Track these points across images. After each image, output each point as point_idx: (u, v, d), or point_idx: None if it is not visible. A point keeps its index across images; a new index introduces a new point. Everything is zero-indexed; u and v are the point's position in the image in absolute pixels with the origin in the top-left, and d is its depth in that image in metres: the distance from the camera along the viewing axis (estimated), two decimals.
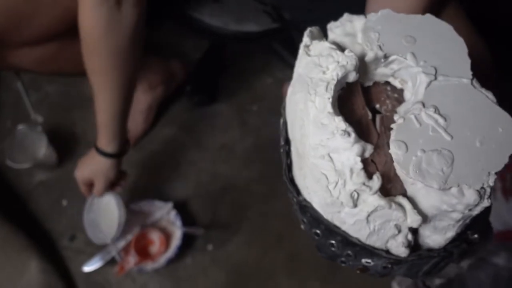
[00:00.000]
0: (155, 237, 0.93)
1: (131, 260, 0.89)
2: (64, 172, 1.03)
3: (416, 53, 0.34)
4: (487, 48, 0.60)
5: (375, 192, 0.31)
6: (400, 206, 0.31)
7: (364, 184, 0.31)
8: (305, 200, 0.35)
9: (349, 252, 0.34)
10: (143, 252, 0.92)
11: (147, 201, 0.95)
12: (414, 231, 0.33)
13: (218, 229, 0.98)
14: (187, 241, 0.95)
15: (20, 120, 1.01)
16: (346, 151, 0.31)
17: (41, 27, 0.72)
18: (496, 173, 0.30)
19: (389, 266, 0.34)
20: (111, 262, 0.93)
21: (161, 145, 1.05)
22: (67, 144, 1.05)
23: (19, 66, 0.80)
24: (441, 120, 0.32)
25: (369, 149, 0.32)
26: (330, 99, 0.31)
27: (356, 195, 0.31)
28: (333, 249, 0.35)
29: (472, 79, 0.33)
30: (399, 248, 0.33)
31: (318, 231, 0.35)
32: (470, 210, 0.31)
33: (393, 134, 0.32)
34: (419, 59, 0.34)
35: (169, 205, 0.95)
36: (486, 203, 0.30)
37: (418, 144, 0.31)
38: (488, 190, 0.30)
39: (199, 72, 1.11)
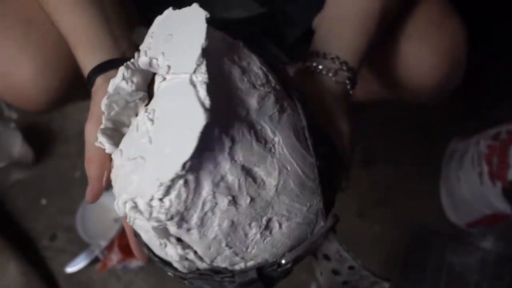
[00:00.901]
0: None
1: (114, 257, 0.87)
2: (42, 170, 1.00)
3: (166, 51, 0.32)
4: (461, 24, 0.57)
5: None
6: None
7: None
8: None
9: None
10: (127, 251, 0.90)
11: None
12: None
13: None
14: None
15: None
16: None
17: None
18: (170, 184, 0.29)
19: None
20: (95, 261, 0.90)
21: None
22: (44, 142, 1.01)
23: None
24: (149, 124, 0.30)
25: None
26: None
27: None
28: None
29: (192, 73, 0.29)
30: (173, 258, 0.33)
31: None
32: (160, 223, 0.31)
33: (122, 142, 0.34)
34: (167, 58, 0.31)
35: None
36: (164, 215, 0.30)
37: (130, 151, 0.32)
38: (158, 203, 0.30)
39: None
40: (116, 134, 0.35)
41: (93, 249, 0.88)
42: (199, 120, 0.27)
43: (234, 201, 0.30)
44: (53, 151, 1.01)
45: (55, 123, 1.03)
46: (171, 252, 0.32)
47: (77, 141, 1.02)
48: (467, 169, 0.87)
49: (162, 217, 0.30)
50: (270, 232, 0.33)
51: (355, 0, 0.47)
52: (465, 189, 0.88)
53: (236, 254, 0.32)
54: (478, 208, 0.88)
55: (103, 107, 0.34)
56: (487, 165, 0.81)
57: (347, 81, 0.44)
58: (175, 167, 0.28)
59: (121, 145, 0.34)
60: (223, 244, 0.32)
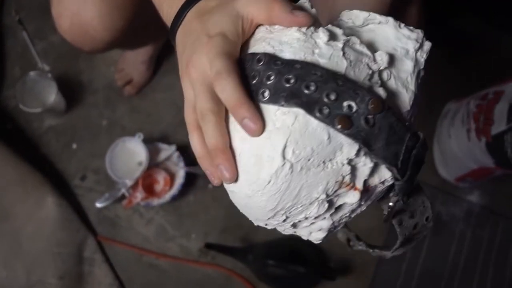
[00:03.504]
0: (160, 177, 1.02)
1: (138, 195, 0.98)
2: (72, 118, 1.10)
3: None
4: None
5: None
6: (368, 48, 0.33)
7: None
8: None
9: (330, 92, 0.31)
10: (149, 190, 1.01)
11: (152, 144, 1.03)
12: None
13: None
14: (190, 181, 1.03)
15: (28, 69, 1.06)
16: None
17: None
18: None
19: (371, 119, 0.31)
20: (121, 199, 1.02)
21: (163, 92, 1.11)
22: (74, 92, 1.11)
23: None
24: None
25: None
26: None
27: (327, 32, 0.33)
28: (309, 91, 0.31)
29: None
30: (376, 88, 0.32)
31: (290, 76, 0.31)
32: (419, 50, 0.35)
33: None
34: None
35: (173, 147, 1.03)
36: (428, 43, 0.35)
37: None
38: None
39: None
40: None
41: (120, 187, 0.99)
42: None
43: None
44: (82, 101, 1.11)
45: (84, 75, 1.13)
46: None
47: (104, 92, 1.12)
48: (457, 127, 0.96)
49: None
50: None
51: None
52: (455, 145, 0.97)
53: None
54: (465, 163, 0.97)
55: None
56: (475, 123, 0.89)
57: None
58: None
59: None
60: None
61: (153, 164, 1.02)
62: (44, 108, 1.00)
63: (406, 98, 0.34)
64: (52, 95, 1.01)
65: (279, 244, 1.00)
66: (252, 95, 0.32)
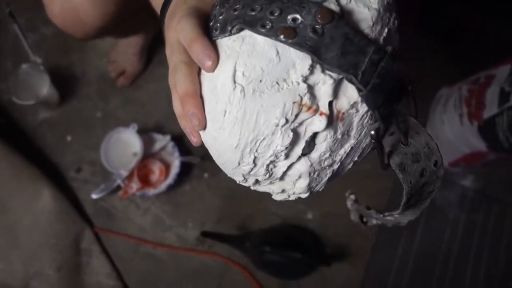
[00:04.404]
0: (155, 167, 1.02)
1: (134, 186, 0.98)
2: (66, 110, 1.10)
3: None
4: None
5: None
6: None
7: None
8: None
9: (274, 9, 0.30)
10: (145, 181, 1.01)
11: (146, 134, 1.03)
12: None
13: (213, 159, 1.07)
14: (185, 170, 1.04)
15: (20, 62, 1.05)
16: None
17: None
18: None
19: (319, 28, 0.29)
20: (116, 191, 1.02)
21: (157, 83, 1.11)
22: (68, 84, 1.11)
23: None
24: None
25: None
26: None
27: None
28: (254, 12, 0.30)
29: None
30: (328, 3, 0.30)
31: (238, 6, 0.31)
32: None
33: None
34: None
35: (167, 137, 1.03)
36: None
37: None
38: None
39: None
40: None
41: (115, 178, 0.99)
42: None
43: None
44: (76, 93, 1.11)
45: (77, 67, 1.12)
46: None
47: (97, 84, 1.11)
48: (450, 112, 0.96)
49: None
50: None
51: None
52: (448, 130, 0.98)
53: None
54: (458, 147, 0.97)
55: None
56: (467, 107, 0.90)
57: None
58: None
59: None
60: None
61: (148, 154, 1.02)
62: (37, 100, 1.00)
63: (368, 16, 0.31)
64: (45, 88, 1.00)
65: (276, 231, 1.01)
66: (208, 35, 0.33)
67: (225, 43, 0.32)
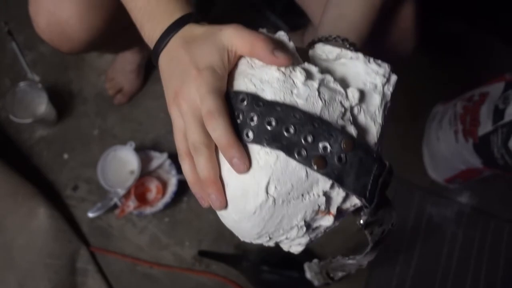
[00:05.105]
0: (152, 185, 1.02)
1: (131, 204, 0.98)
2: (63, 128, 1.10)
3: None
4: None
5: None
6: (340, 84, 0.36)
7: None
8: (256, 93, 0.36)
9: (307, 134, 0.34)
10: (142, 199, 1.01)
11: (144, 152, 1.03)
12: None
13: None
14: (182, 188, 1.03)
15: (18, 79, 1.06)
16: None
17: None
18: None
19: (343, 157, 0.34)
20: (113, 209, 1.01)
21: (154, 100, 1.12)
22: (65, 102, 1.11)
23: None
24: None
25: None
26: None
27: (304, 72, 0.36)
28: (289, 134, 0.34)
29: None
30: (348, 127, 0.36)
31: (271, 119, 0.34)
32: (386, 84, 0.39)
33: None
34: None
35: (164, 155, 1.03)
36: (394, 77, 0.39)
37: None
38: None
39: None
40: None
41: (112, 196, 0.99)
42: None
43: None
44: (73, 110, 1.11)
45: (74, 85, 1.13)
46: None
47: (95, 102, 1.12)
48: (445, 129, 0.97)
49: None
50: None
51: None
52: (443, 147, 0.99)
53: None
54: (454, 164, 0.98)
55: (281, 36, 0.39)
56: (462, 124, 0.91)
57: None
58: None
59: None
60: None
61: (145, 172, 1.02)
62: (34, 118, 1.00)
63: (374, 131, 0.38)
64: (42, 105, 1.00)
65: (273, 250, 0.99)
66: (237, 134, 0.35)
67: (256, 150, 0.35)
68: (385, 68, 0.39)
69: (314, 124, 0.34)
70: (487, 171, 0.94)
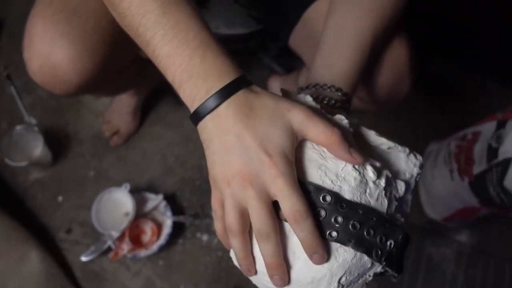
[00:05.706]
0: (147, 227, 1.00)
1: (125, 247, 0.96)
2: (59, 170, 1.09)
3: None
4: (406, 43, 0.64)
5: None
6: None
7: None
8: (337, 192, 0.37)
9: (382, 236, 0.37)
10: (136, 241, 0.99)
11: (139, 193, 1.02)
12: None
13: (205, 218, 1.06)
14: (177, 230, 1.02)
15: (15, 122, 1.07)
16: None
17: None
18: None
19: (398, 248, 0.39)
20: (107, 252, 1.00)
21: (150, 142, 1.12)
22: (61, 145, 1.11)
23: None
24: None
25: None
26: None
27: (375, 171, 0.39)
28: (370, 237, 0.37)
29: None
30: (400, 219, 0.41)
31: (355, 222, 0.36)
32: (418, 174, 0.44)
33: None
34: None
35: (160, 197, 1.02)
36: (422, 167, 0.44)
37: None
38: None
39: None
40: None
41: (105, 239, 0.97)
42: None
43: None
44: (69, 152, 1.11)
45: (70, 127, 1.14)
46: None
47: (91, 143, 1.12)
48: (440, 167, 0.97)
49: None
50: None
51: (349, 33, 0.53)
52: (439, 185, 0.98)
53: None
54: (451, 202, 0.97)
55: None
56: (456, 163, 0.91)
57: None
58: None
59: None
60: None
61: (140, 214, 1.01)
62: (30, 161, 1.00)
63: (406, 216, 0.42)
64: (38, 148, 1.01)
65: None
66: (320, 229, 0.36)
67: (335, 247, 0.37)
68: (420, 160, 0.44)
69: (386, 225, 0.37)
70: (484, 210, 0.93)
